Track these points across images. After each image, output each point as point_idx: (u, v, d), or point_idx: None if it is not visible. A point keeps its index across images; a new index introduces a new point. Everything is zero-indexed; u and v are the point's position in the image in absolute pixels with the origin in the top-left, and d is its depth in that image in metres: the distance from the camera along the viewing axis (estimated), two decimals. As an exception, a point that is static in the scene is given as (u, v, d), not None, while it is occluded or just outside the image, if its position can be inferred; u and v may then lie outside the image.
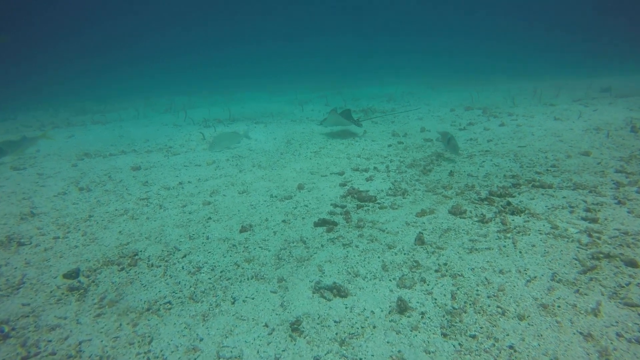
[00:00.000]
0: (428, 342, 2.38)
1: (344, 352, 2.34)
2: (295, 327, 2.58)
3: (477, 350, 2.27)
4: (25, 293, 3.19)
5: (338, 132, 9.48)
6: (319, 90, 21.63)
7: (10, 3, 47.94)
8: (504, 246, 3.40)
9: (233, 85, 27.19)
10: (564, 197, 4.44)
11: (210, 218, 4.53)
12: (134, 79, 32.92)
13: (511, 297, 2.68)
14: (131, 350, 2.49)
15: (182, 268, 3.48)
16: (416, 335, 2.44)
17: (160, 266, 3.54)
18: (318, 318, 2.66)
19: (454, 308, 2.65)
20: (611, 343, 2.23)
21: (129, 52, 54.46)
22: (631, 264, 2.92)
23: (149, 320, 2.78)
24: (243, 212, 4.65)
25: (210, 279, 3.28)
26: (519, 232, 3.63)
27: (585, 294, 2.63)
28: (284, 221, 4.31)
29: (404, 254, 3.44)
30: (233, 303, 2.91)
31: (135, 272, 3.48)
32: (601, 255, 3.01)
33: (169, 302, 2.97)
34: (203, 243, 3.93)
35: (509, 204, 4.25)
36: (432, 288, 2.91)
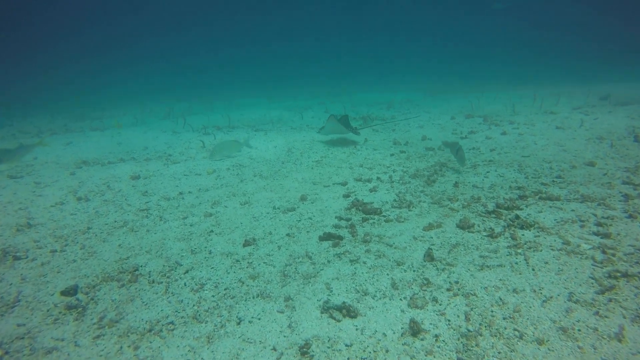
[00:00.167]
0: (444, 368, 2.28)
1: (357, 379, 2.23)
2: (304, 350, 2.47)
3: (496, 377, 2.18)
4: (20, 312, 3.07)
5: (339, 141, 9.40)
6: (317, 96, 21.61)
7: (6, 5, 47.83)
8: (516, 263, 3.31)
9: (231, 91, 27.15)
10: (573, 210, 4.36)
11: (212, 231, 4.42)
12: (130, 84, 32.82)
13: (528, 318, 2.58)
14: (133, 376, 2.38)
15: (185, 285, 3.37)
16: (431, 360, 2.34)
17: (161, 282, 3.43)
18: (328, 341, 2.56)
19: (468, 330, 2.55)
20: (636, 370, 2.14)
21: (125, 56, 54.44)
22: (649, 283, 2.84)
23: (151, 342, 2.67)
24: (246, 225, 4.54)
25: (214, 296, 3.17)
26: (530, 248, 3.54)
27: (606, 317, 2.54)
28: (288, 235, 4.21)
29: (414, 270, 3.34)
30: (239, 324, 2.80)
31: (136, 288, 3.36)
32: (618, 274, 2.93)
33: (172, 323, 2.86)
34: (205, 258, 3.82)
35: (517, 217, 4.17)
36: (445, 308, 2.81)
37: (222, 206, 5.23)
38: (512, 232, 3.87)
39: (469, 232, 4.01)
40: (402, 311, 2.82)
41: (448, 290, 3.02)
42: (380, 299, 2.99)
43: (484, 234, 3.93)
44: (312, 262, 3.60)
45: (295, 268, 3.50)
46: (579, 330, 2.45)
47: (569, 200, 4.70)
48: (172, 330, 2.78)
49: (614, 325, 2.47)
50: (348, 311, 2.81)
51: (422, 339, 2.52)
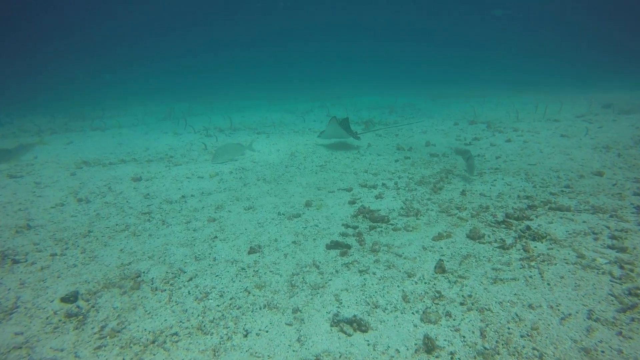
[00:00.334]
0: (462, 389, 2.18)
1: (371, 399, 2.13)
2: (315, 367, 2.37)
3: (518, 400, 2.08)
4: (18, 319, 2.97)
5: (342, 145, 9.33)
6: (318, 99, 21.54)
7: (6, 3, 47.73)
8: (530, 277, 3.22)
9: (231, 92, 27.07)
10: (584, 222, 4.28)
11: (216, 237, 4.32)
12: (130, 84, 32.73)
13: (547, 337, 2.49)
14: (136, 391, 2.27)
15: (189, 293, 3.27)
16: (448, 380, 2.24)
17: (165, 290, 3.33)
18: (340, 357, 2.46)
19: (485, 348, 2.46)
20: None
21: (125, 56, 54.33)
22: (670, 301, 2.75)
23: (154, 355, 2.56)
24: (250, 231, 4.44)
25: (219, 306, 3.07)
26: (543, 261, 3.45)
27: (630, 338, 2.45)
28: (294, 242, 4.11)
29: (425, 283, 3.25)
30: (245, 336, 2.70)
31: (139, 296, 3.26)
32: (639, 291, 2.84)
33: (176, 334, 2.76)
34: (210, 265, 3.72)
35: (528, 228, 4.09)
36: (459, 324, 2.72)
37: (226, 211, 5.13)
38: (524, 243, 3.79)
39: (479, 242, 3.92)
40: (415, 326, 2.73)
41: (461, 304, 2.92)
42: (391, 312, 2.90)
43: (495, 245, 3.84)
44: (320, 271, 3.50)
45: (303, 278, 3.41)
46: (603, 352, 2.36)
47: (579, 211, 4.62)
48: (177, 342, 2.68)
49: (639, 347, 2.38)
50: (359, 325, 2.71)
51: (437, 357, 2.43)
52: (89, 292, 3.32)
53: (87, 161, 7.95)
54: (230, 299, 3.16)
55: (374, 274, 3.41)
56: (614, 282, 3.05)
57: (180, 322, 2.89)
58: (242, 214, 5.01)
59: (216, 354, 2.55)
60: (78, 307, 3.09)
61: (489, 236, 4.06)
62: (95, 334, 2.79)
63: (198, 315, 2.96)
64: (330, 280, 3.35)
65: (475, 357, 2.40)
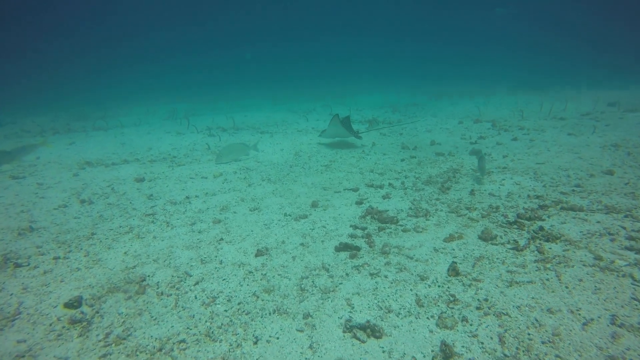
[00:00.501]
0: (483, 399, 2.09)
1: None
2: (328, 376, 2.28)
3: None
4: (21, 326, 2.88)
5: (347, 144, 9.23)
6: (320, 98, 21.45)
7: (7, 3, 47.66)
8: (547, 279, 3.12)
9: (233, 91, 26.99)
10: (599, 222, 4.17)
11: (222, 239, 4.23)
12: (132, 83, 32.68)
13: (570, 344, 2.39)
14: (144, 402, 2.19)
15: (195, 298, 3.19)
16: (468, 390, 2.15)
17: (171, 295, 3.24)
18: (354, 365, 2.37)
19: (505, 355, 2.36)
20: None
21: (127, 55, 54.29)
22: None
23: (162, 363, 2.48)
24: (257, 233, 4.35)
25: (226, 311, 2.98)
26: (559, 263, 3.35)
27: (658, 345, 2.35)
28: (302, 244, 4.02)
29: (438, 286, 3.16)
30: (255, 343, 2.61)
31: (144, 301, 3.17)
32: (663, 295, 2.74)
33: (184, 341, 2.67)
34: (216, 268, 3.63)
35: (541, 228, 3.99)
36: (477, 329, 2.62)
37: (231, 212, 5.04)
38: (539, 245, 3.69)
39: (492, 244, 3.83)
40: (431, 331, 2.63)
41: (478, 308, 2.83)
42: (405, 317, 2.81)
43: (509, 246, 3.75)
44: (330, 274, 3.41)
45: (313, 281, 3.32)
46: None
47: (592, 211, 4.52)
48: (184, 349, 2.59)
49: (667, 354, 2.28)
50: (373, 331, 2.62)
51: (455, 364, 2.34)
52: (93, 297, 3.23)
53: (89, 162, 7.87)
54: (239, 303, 3.07)
55: (386, 277, 3.32)
56: (635, 285, 2.95)
57: (188, 328, 2.80)
58: (247, 215, 4.92)
59: (226, 362, 2.46)
60: (82, 312, 3.01)
61: (501, 237, 3.96)
62: (100, 341, 2.71)
63: (206, 321, 2.87)
64: (341, 283, 3.26)
65: (495, 365, 2.31)
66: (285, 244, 4.04)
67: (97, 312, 3.03)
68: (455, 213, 4.69)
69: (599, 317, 2.60)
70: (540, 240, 3.82)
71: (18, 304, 3.14)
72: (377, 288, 3.16)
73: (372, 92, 23.92)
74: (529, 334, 2.51)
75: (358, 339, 2.58)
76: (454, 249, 3.76)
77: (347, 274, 3.40)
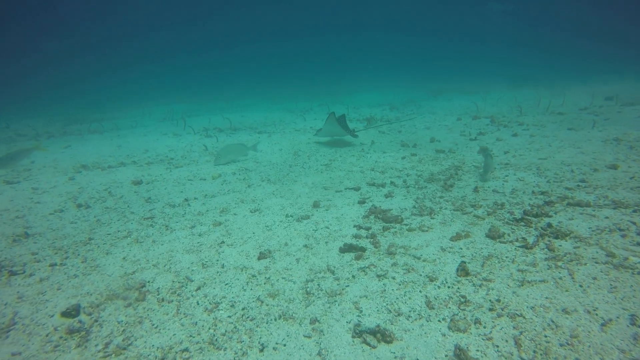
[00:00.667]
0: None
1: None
2: (340, 384, 2.18)
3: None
4: (16, 337, 2.77)
5: (346, 143, 9.14)
6: (317, 97, 21.34)
7: (6, 3, 47.23)
8: (560, 278, 3.03)
9: (229, 91, 26.86)
10: (607, 218, 4.09)
11: (223, 242, 4.13)
12: (128, 85, 32.47)
13: (590, 346, 2.30)
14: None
15: (197, 304, 3.08)
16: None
17: (172, 301, 3.13)
18: (365, 373, 2.27)
19: (522, 359, 2.27)
20: None
21: (121, 57, 53.99)
22: None
23: (164, 374, 2.37)
24: (258, 235, 4.25)
25: (230, 317, 2.88)
26: (571, 261, 3.27)
27: (682, 346, 2.26)
28: (305, 246, 3.92)
29: (448, 287, 3.06)
30: (262, 351, 2.51)
31: (144, 308, 3.06)
32: (682, 293, 2.66)
33: (187, 350, 2.56)
34: (218, 272, 3.53)
35: (549, 225, 3.90)
36: (491, 332, 2.53)
37: (232, 214, 4.94)
38: (548, 242, 3.60)
39: (500, 242, 3.74)
40: (444, 335, 2.54)
41: (490, 310, 2.74)
42: (416, 320, 2.71)
43: (517, 244, 3.66)
44: (336, 277, 3.31)
45: (318, 284, 3.22)
46: (654, 361, 2.17)
47: (599, 206, 4.44)
48: (188, 358, 2.48)
49: (692, 355, 2.19)
50: (383, 335, 2.52)
51: (470, 370, 2.24)
52: (92, 305, 3.12)
53: (85, 165, 7.74)
54: (243, 309, 2.97)
55: (393, 278, 3.22)
56: (652, 282, 2.87)
57: (191, 336, 2.70)
58: (248, 216, 4.82)
59: (231, 371, 2.36)
60: (80, 322, 2.89)
61: (509, 235, 3.88)
62: (99, 351, 2.60)
63: (209, 328, 2.77)
64: (348, 286, 3.16)
65: (512, 369, 2.22)
66: (288, 246, 3.94)
67: (96, 321, 2.92)
68: (460, 211, 4.60)
69: (617, 318, 2.51)
70: (549, 237, 3.73)
71: (13, 314, 3.02)
72: (385, 290, 3.07)
73: (369, 90, 23.84)
74: (545, 336, 2.42)
75: (368, 344, 2.48)
76: (461, 248, 3.67)
77: (353, 276, 3.30)
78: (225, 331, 2.72)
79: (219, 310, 2.98)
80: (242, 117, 14.69)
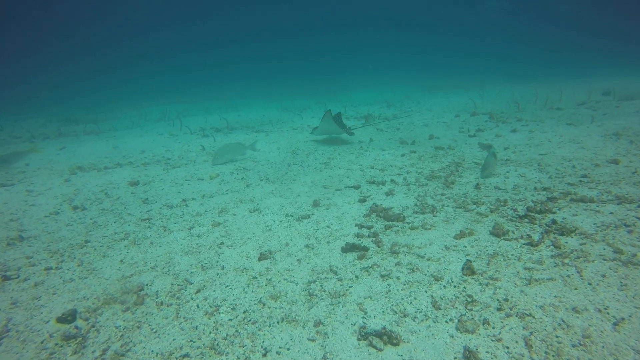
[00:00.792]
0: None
1: None
2: (346, 390, 2.11)
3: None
4: (9, 345, 2.68)
5: (344, 141, 9.06)
6: (314, 95, 21.25)
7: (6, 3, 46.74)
8: (568, 276, 2.97)
9: (225, 90, 26.72)
10: (612, 213, 4.04)
11: (222, 243, 4.04)
12: (123, 86, 32.25)
13: (603, 346, 2.24)
14: None
15: (197, 307, 3.00)
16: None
17: (171, 305, 3.05)
18: (373, 377, 2.20)
19: (533, 360, 2.21)
20: None
21: (117, 58, 53.64)
22: None
23: (164, 381, 2.29)
24: (258, 236, 4.17)
25: (231, 321, 2.80)
26: (578, 258, 3.21)
27: (698, 345, 2.20)
28: (306, 246, 3.84)
29: (454, 286, 2.99)
30: (265, 355, 2.43)
31: (143, 312, 2.98)
32: (694, 289, 2.60)
33: (187, 355, 2.48)
34: (218, 274, 3.45)
35: (554, 222, 3.84)
36: (500, 332, 2.46)
37: (230, 214, 4.85)
38: (553, 239, 3.54)
39: (505, 240, 3.67)
40: (452, 336, 2.47)
41: (499, 310, 2.67)
42: (422, 321, 2.64)
43: (522, 241, 3.59)
44: (339, 277, 3.24)
45: (321, 285, 3.14)
46: (670, 361, 2.11)
47: (603, 201, 4.38)
48: (189, 365, 2.40)
49: None
50: (389, 338, 2.45)
51: (481, 372, 2.17)
52: (88, 309, 3.03)
53: (81, 166, 7.63)
54: (244, 312, 2.89)
55: (398, 278, 3.15)
56: (662, 279, 2.81)
57: (191, 341, 2.62)
58: (247, 216, 4.73)
59: (234, 377, 2.28)
60: (76, 327, 2.81)
61: (513, 232, 3.81)
62: (96, 358, 2.51)
63: (210, 333, 2.69)
64: (351, 287, 3.09)
65: (523, 371, 2.15)
66: (289, 246, 3.87)
67: (93, 326, 2.84)
68: (463, 208, 4.53)
69: (630, 316, 2.45)
70: (554, 234, 3.67)
71: (6, 321, 2.93)
72: (389, 290, 2.99)
73: (366, 88, 23.77)
74: (556, 337, 2.36)
75: (374, 347, 2.41)
76: (465, 246, 3.60)
77: (356, 277, 3.23)
78: (227, 335, 2.65)
79: (219, 313, 2.90)
80: (239, 116, 14.58)
